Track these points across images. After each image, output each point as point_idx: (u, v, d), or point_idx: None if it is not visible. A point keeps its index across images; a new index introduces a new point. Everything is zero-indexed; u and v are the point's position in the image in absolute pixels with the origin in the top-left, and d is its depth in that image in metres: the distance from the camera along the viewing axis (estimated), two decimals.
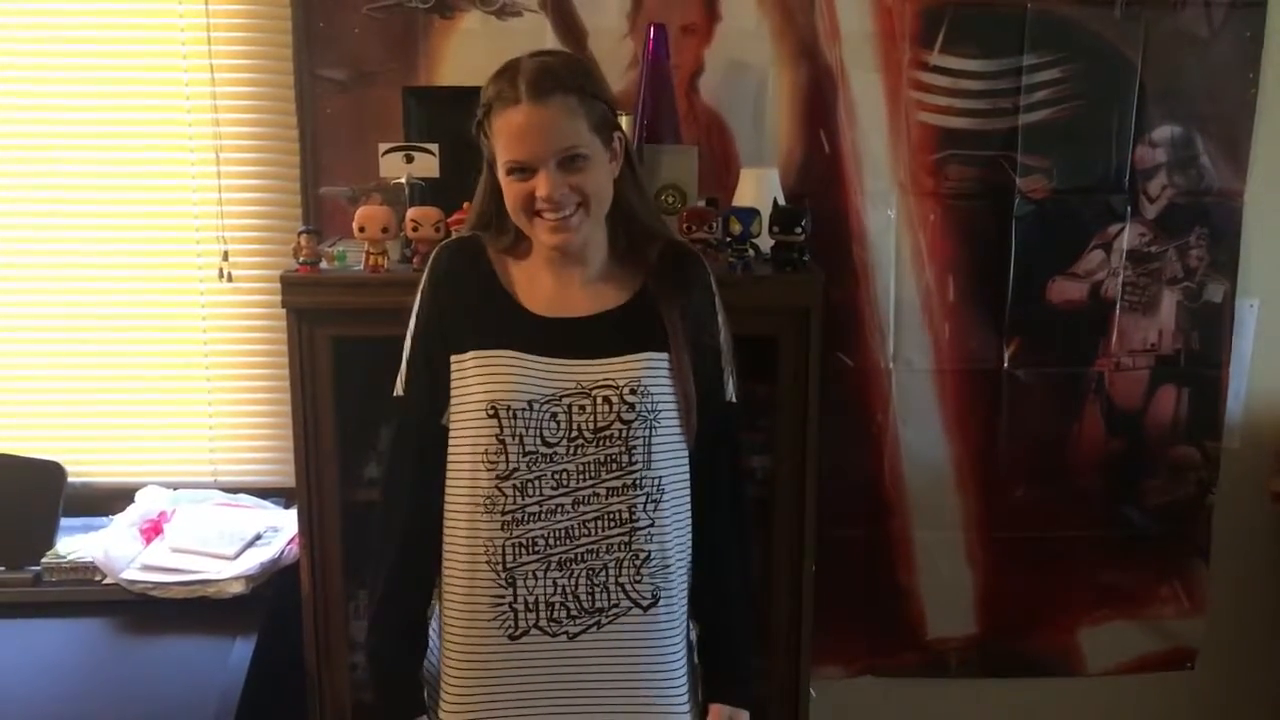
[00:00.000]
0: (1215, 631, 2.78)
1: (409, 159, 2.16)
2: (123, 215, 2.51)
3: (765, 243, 2.19)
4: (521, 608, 1.68)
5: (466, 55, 2.45)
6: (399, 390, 1.74)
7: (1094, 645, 2.78)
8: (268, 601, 2.28)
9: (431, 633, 1.79)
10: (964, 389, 2.64)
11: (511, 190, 1.64)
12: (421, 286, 1.74)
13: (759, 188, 2.32)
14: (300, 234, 2.13)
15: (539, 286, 1.69)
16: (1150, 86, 2.52)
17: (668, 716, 1.73)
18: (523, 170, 1.62)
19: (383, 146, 2.18)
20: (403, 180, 2.18)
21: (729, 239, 2.16)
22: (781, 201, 2.21)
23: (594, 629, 1.69)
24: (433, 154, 2.16)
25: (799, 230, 2.14)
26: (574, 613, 1.68)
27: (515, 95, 1.58)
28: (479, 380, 1.67)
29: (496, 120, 1.61)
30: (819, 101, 2.51)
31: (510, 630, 1.68)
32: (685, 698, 1.75)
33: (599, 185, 1.65)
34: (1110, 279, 2.60)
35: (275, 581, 2.30)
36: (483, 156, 1.71)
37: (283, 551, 2.33)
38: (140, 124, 2.48)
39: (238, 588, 2.24)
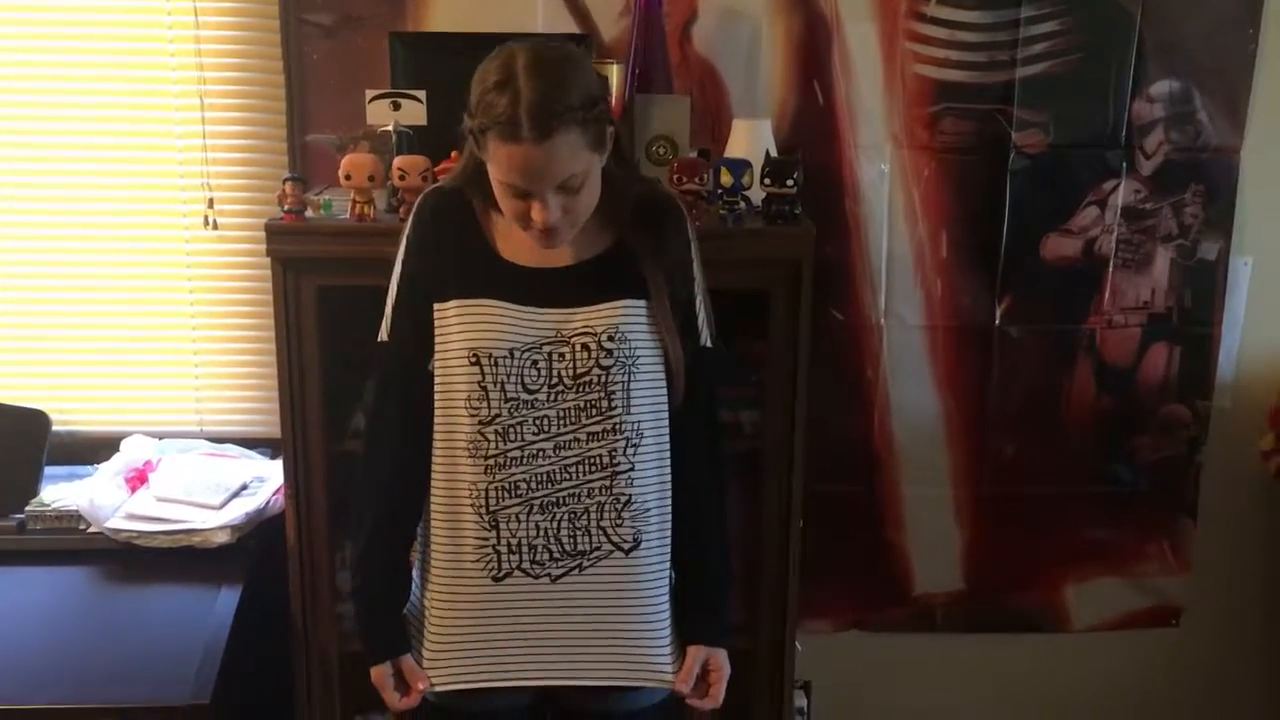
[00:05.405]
0: (1201, 589, 2.79)
1: (396, 106, 2.14)
2: (106, 161, 2.48)
3: (756, 195, 2.17)
4: (504, 549, 1.70)
5: (455, 1, 2.41)
6: (383, 336, 1.74)
7: (1080, 602, 2.79)
8: (253, 551, 2.28)
9: (415, 574, 1.81)
10: (955, 345, 2.62)
11: (505, 201, 1.63)
12: (406, 234, 1.74)
13: (751, 139, 2.29)
14: (285, 182, 2.11)
15: (519, 237, 1.68)
16: (1149, 40, 2.49)
17: (649, 659, 1.75)
18: (520, 193, 1.60)
19: (370, 93, 2.15)
20: (390, 128, 2.15)
21: (720, 190, 2.14)
22: (774, 153, 2.19)
23: (576, 571, 1.71)
24: (420, 101, 2.14)
25: (791, 183, 2.12)
26: (556, 555, 1.71)
27: (516, 133, 1.53)
28: (461, 328, 1.67)
29: (493, 143, 1.57)
30: (813, 52, 2.48)
31: (494, 572, 1.71)
32: (667, 640, 1.77)
33: (592, 197, 1.64)
34: (1104, 236, 2.58)
35: (261, 531, 2.30)
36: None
37: (268, 501, 2.33)
38: (123, 69, 2.45)
39: (223, 537, 2.24)
